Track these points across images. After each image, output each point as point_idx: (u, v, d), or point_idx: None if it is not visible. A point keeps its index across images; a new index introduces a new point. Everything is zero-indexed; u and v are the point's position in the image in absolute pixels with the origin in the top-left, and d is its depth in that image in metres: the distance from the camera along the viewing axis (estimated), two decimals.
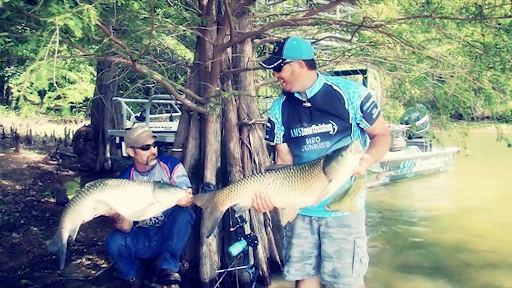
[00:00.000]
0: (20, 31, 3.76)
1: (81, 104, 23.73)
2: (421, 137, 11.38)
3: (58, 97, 1.59)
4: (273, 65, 2.38)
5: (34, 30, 2.44)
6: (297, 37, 2.45)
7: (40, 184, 8.38)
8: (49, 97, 1.57)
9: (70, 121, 21.34)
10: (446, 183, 11.10)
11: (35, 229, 5.30)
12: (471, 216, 6.97)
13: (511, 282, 4.16)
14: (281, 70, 2.38)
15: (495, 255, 4.97)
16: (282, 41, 2.40)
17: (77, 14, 1.57)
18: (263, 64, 2.46)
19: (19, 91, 1.45)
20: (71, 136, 14.68)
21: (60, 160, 11.86)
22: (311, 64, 2.40)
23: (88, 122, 13.66)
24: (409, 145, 11.01)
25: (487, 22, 3.39)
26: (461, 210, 7.51)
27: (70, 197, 7.02)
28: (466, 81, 3.99)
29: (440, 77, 4.59)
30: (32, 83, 1.47)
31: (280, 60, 2.35)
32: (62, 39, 1.98)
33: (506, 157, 12.84)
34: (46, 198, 7.13)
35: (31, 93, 1.49)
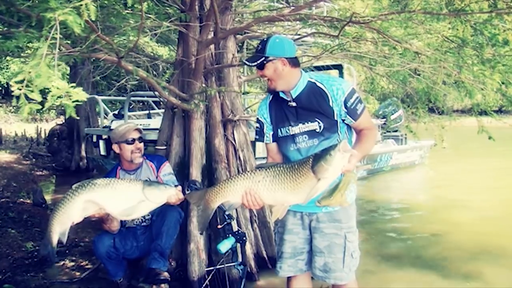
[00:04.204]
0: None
1: (52, 103, 23.16)
2: (396, 131, 11.57)
3: (60, 96, 1.54)
4: (255, 63, 2.39)
5: (19, 26, 2.35)
6: (281, 36, 2.47)
7: (15, 185, 8.16)
8: (53, 96, 1.51)
9: (41, 120, 20.82)
10: (422, 176, 11.33)
11: (13, 231, 5.15)
12: (448, 207, 7.14)
13: (489, 270, 4.30)
14: (264, 68, 2.39)
15: (473, 244, 5.11)
16: (265, 39, 2.42)
17: (75, 10, 1.52)
18: (247, 62, 2.48)
19: (20, 89, 1.39)
20: (43, 135, 14.36)
21: (34, 159, 11.58)
22: (294, 62, 2.42)
23: (59, 121, 13.36)
24: (385, 139, 11.18)
25: (466, 17, 3.46)
26: (438, 202, 7.69)
27: (47, 197, 6.88)
28: (449, 75, 4.07)
29: (418, 71, 4.67)
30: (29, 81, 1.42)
31: (263, 58, 2.36)
32: (49, 35, 1.92)
33: (478, 149, 13.23)
34: (22, 199, 6.94)
35: (31, 91, 1.43)
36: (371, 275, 4.16)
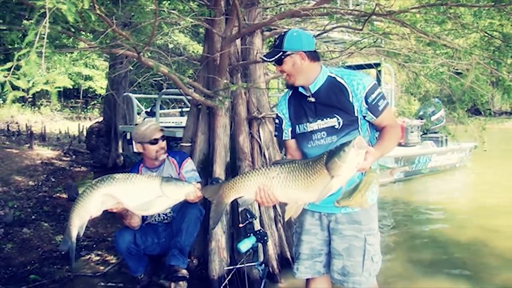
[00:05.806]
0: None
1: (95, 101, 23.96)
2: (436, 132, 11.15)
3: (46, 82, 1.53)
4: (273, 58, 2.31)
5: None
6: (298, 29, 2.38)
7: (53, 180, 8.41)
8: (34, 84, 1.49)
9: (85, 118, 21.50)
10: (462, 179, 10.87)
11: (46, 224, 5.30)
12: (488, 213, 6.80)
13: None
14: (282, 63, 2.32)
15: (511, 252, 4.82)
16: (283, 33, 2.34)
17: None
18: (264, 58, 2.41)
19: (5, 77, 1.38)
20: (84, 133, 14.75)
21: (73, 156, 11.91)
22: (313, 56, 2.33)
23: (102, 119, 13.68)
24: (424, 140, 10.79)
25: (506, 9, 3.25)
26: (478, 206, 7.33)
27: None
28: (484, 72, 3.84)
29: (457, 70, 4.45)
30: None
31: (281, 53, 2.28)
32: (63, 29, 1.91)
33: None
34: (58, 194, 7.15)
35: (18, 78, 1.42)
36: (400, 280, 4.01)
